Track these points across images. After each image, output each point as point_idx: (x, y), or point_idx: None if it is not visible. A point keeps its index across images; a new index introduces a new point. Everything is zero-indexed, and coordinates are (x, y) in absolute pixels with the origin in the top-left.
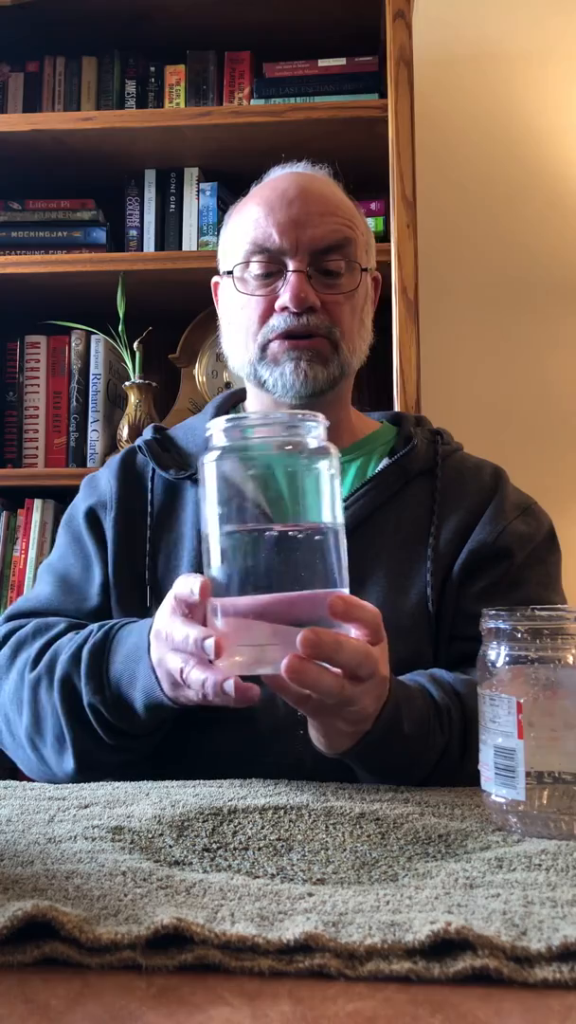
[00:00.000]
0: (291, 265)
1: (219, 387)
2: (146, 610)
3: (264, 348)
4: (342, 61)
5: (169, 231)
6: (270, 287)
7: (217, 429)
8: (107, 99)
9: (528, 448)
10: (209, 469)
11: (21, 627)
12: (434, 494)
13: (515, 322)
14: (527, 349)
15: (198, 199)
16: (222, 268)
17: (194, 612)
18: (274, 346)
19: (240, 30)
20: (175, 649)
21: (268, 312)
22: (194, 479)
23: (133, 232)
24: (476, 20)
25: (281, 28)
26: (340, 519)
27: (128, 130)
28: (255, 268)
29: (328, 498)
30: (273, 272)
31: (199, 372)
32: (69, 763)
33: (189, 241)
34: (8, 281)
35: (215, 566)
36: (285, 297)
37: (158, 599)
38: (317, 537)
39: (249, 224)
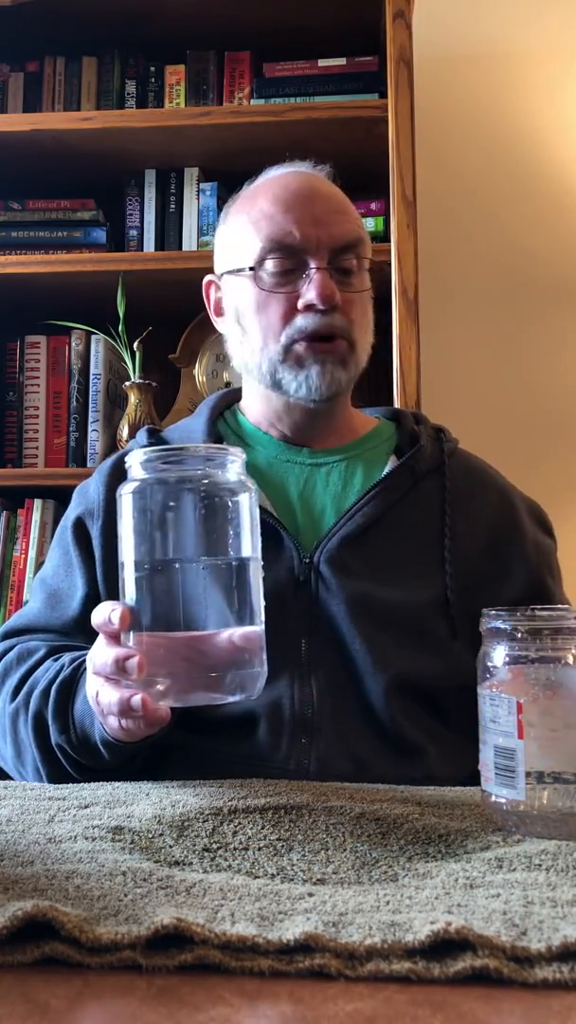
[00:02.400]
0: (314, 263)
1: (219, 387)
2: None
3: (288, 349)
4: (342, 61)
5: (169, 231)
6: (291, 285)
7: (135, 461)
8: (107, 99)
9: (528, 448)
10: (125, 501)
11: (12, 648)
12: (444, 494)
13: (515, 322)
14: (527, 349)
15: (198, 199)
16: (229, 266)
17: (116, 640)
18: (299, 348)
19: (240, 30)
20: (95, 673)
21: (291, 312)
22: None
23: (133, 232)
24: (476, 20)
25: (281, 28)
26: (257, 554)
27: (128, 130)
28: (272, 266)
29: (244, 533)
30: (291, 270)
31: (199, 372)
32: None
33: (189, 241)
34: (8, 281)
35: (130, 596)
36: (311, 295)
37: None
38: (232, 572)
39: (262, 221)
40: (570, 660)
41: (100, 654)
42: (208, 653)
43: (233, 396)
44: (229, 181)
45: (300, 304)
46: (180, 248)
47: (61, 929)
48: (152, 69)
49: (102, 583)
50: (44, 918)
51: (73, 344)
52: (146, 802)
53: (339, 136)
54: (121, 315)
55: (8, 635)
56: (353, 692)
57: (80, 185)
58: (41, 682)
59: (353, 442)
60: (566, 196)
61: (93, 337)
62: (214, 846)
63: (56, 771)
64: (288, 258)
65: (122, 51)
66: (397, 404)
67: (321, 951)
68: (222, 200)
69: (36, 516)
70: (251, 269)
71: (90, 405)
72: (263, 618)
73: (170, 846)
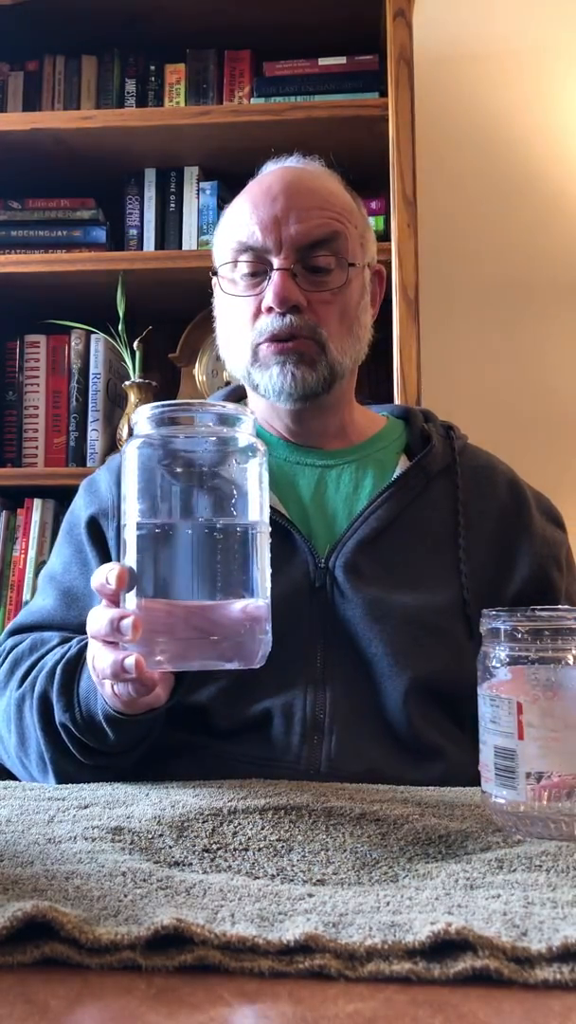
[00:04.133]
0: (275, 263)
1: (219, 386)
2: None
3: (255, 352)
4: (342, 60)
5: (169, 230)
6: (258, 287)
7: (143, 417)
8: (107, 98)
9: (528, 447)
10: (130, 457)
11: (22, 642)
12: (456, 493)
13: (515, 321)
14: (527, 348)
15: (198, 198)
16: (215, 268)
17: (115, 603)
18: (262, 349)
19: (240, 29)
20: (93, 637)
21: (257, 313)
22: None
23: (133, 231)
24: (476, 19)
25: (281, 27)
26: (265, 520)
27: (128, 129)
28: (242, 268)
29: (252, 498)
30: (259, 272)
31: (199, 372)
32: (51, 781)
33: (189, 240)
34: (8, 280)
35: (130, 557)
36: (268, 297)
37: None
38: (237, 538)
39: (235, 222)
40: (570, 661)
41: (97, 616)
42: (209, 620)
43: (239, 392)
44: (229, 180)
45: (263, 306)
46: (180, 247)
47: (61, 929)
48: (152, 68)
49: None
50: (44, 918)
51: (73, 343)
52: (146, 802)
53: (339, 135)
54: (121, 314)
55: (19, 631)
56: (369, 696)
57: (80, 184)
58: (48, 664)
59: (362, 443)
60: (566, 195)
61: (93, 336)
62: (214, 847)
63: (60, 756)
64: (254, 260)
65: (122, 50)
66: (397, 403)
67: (321, 952)
68: (222, 199)
69: (36, 516)
70: (214, 273)
71: (90, 405)
72: (268, 587)
73: (170, 847)
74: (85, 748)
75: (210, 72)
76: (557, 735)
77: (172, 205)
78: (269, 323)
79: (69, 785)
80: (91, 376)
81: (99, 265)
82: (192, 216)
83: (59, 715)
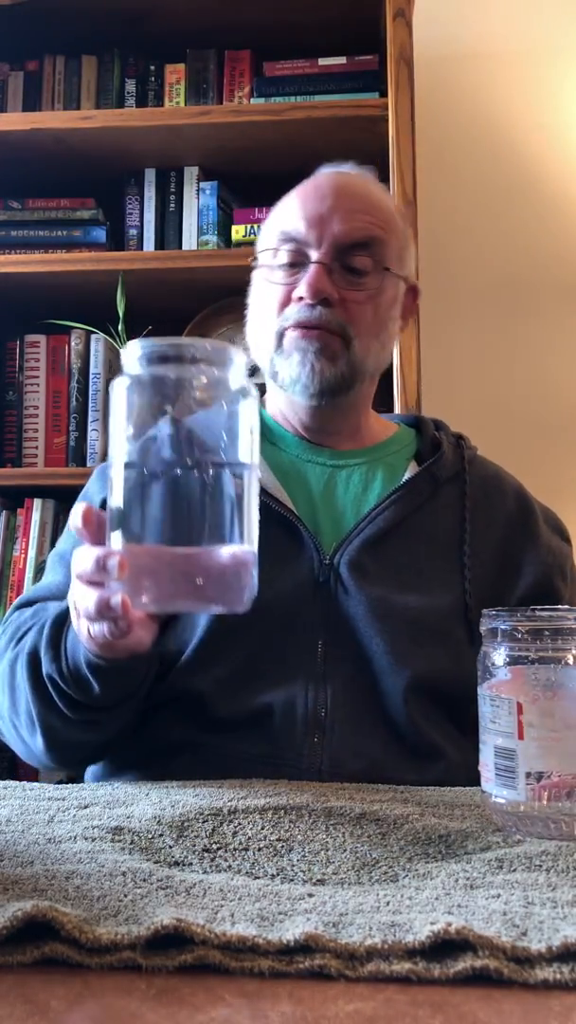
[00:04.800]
0: (313, 256)
1: None
2: None
3: (280, 338)
4: (342, 60)
5: (169, 230)
6: (293, 277)
7: (131, 354)
8: (107, 98)
9: (528, 448)
10: (117, 395)
11: (26, 614)
12: (464, 500)
13: (516, 321)
14: (528, 348)
15: (198, 198)
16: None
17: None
18: (287, 335)
19: (240, 29)
20: (77, 577)
21: (286, 302)
22: None
23: (133, 231)
24: (476, 19)
25: (281, 27)
26: (255, 463)
27: (128, 129)
28: (282, 257)
29: (242, 441)
30: (298, 263)
31: None
32: (39, 741)
33: (189, 240)
34: (8, 280)
35: (116, 498)
36: (301, 287)
37: None
38: (226, 481)
39: (283, 214)
40: (570, 661)
41: (82, 556)
42: (195, 563)
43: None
44: (229, 180)
45: (294, 295)
46: (180, 247)
47: (61, 929)
48: (152, 68)
49: None
50: (44, 918)
51: (73, 343)
52: (146, 802)
53: (339, 135)
54: (121, 314)
55: (24, 605)
56: (369, 693)
57: (80, 184)
58: (41, 622)
59: (374, 446)
60: (566, 195)
61: (93, 336)
62: (214, 846)
63: (47, 710)
64: (293, 251)
65: (122, 50)
66: (397, 403)
67: (321, 951)
68: (222, 199)
69: (36, 516)
70: (255, 259)
71: (90, 404)
72: (256, 532)
73: (170, 846)
74: (71, 702)
75: (210, 72)
76: (557, 735)
77: (172, 205)
78: (297, 311)
79: (69, 785)
80: (91, 376)
81: (99, 265)
82: (192, 216)
83: (46, 667)
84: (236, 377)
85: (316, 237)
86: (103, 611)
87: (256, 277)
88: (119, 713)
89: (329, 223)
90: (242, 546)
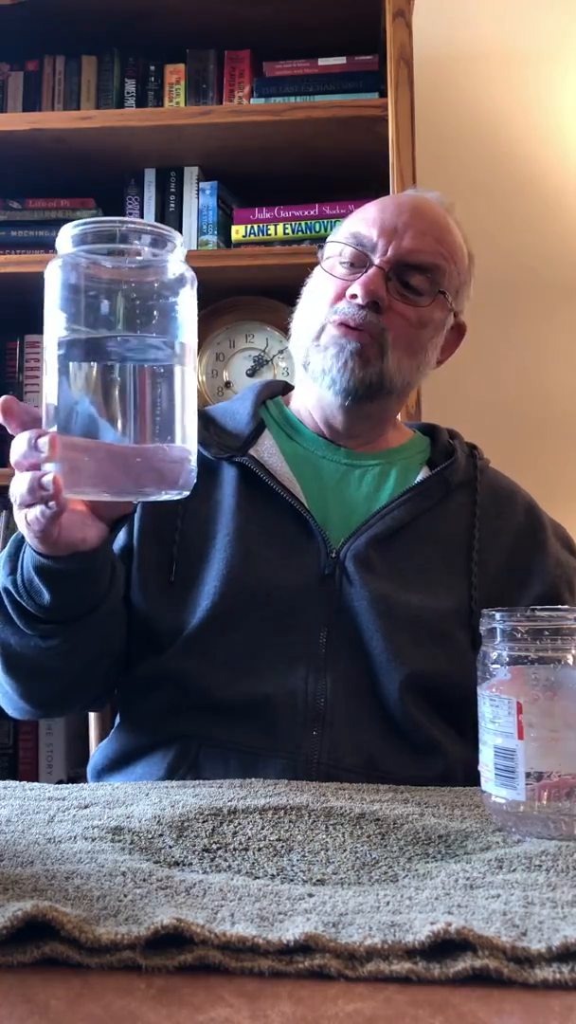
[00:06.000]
0: (376, 261)
1: (219, 387)
2: (169, 584)
3: (321, 331)
4: (342, 60)
5: None
6: (352, 276)
7: (66, 234)
8: (107, 98)
9: (526, 449)
10: (51, 276)
11: None
12: (474, 508)
13: (514, 321)
14: (526, 349)
15: (198, 198)
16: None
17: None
18: (328, 329)
19: (240, 29)
20: (14, 466)
21: (338, 298)
22: (233, 460)
23: None
24: (476, 20)
25: (281, 27)
26: (192, 354)
27: (128, 129)
28: (346, 254)
29: (180, 330)
30: (359, 264)
31: (199, 372)
32: None
33: (189, 240)
34: (8, 280)
35: (49, 385)
36: (356, 286)
37: (184, 573)
38: (163, 370)
39: (360, 218)
40: (570, 661)
41: (16, 442)
42: (131, 451)
43: (277, 387)
44: (229, 180)
45: (347, 292)
46: None
47: (61, 929)
48: (152, 68)
49: (137, 542)
50: (44, 918)
51: None
52: (146, 802)
53: (339, 135)
54: None
55: None
56: (368, 687)
57: (80, 184)
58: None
59: (389, 450)
60: (566, 196)
61: None
62: (214, 847)
63: (3, 625)
64: (358, 252)
65: (122, 50)
66: (424, 420)
67: (321, 951)
68: (222, 199)
69: None
70: (320, 246)
71: None
72: (194, 420)
73: (170, 846)
74: (25, 614)
75: (210, 72)
76: (557, 735)
77: (172, 205)
78: (345, 307)
79: (69, 785)
80: None
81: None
82: (192, 216)
83: (3, 581)
84: (174, 261)
85: (383, 245)
86: (35, 490)
87: (317, 270)
88: (75, 630)
89: (399, 237)
90: (178, 434)
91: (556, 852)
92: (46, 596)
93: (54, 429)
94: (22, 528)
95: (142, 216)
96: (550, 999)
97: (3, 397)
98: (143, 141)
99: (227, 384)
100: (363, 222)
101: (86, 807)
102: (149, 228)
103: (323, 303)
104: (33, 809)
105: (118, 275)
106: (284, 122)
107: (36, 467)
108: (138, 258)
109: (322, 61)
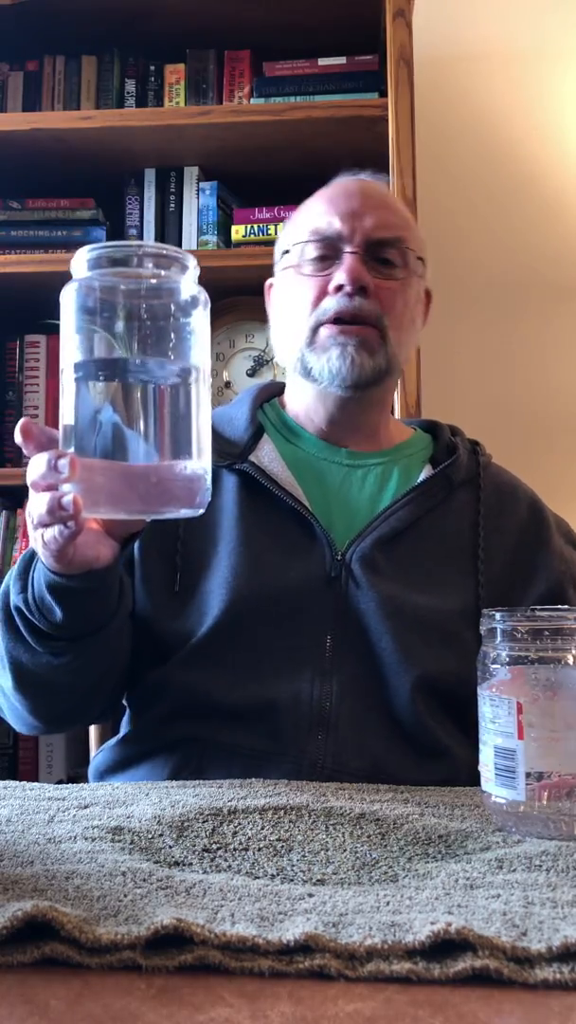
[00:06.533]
0: (347, 248)
1: (219, 387)
2: (174, 594)
3: (314, 333)
4: (342, 60)
5: (169, 230)
6: (326, 271)
7: (80, 258)
8: (107, 98)
9: (528, 448)
10: (66, 299)
11: None
12: (478, 505)
13: (515, 321)
14: (527, 349)
15: (198, 198)
16: (278, 261)
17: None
18: (323, 331)
19: (240, 29)
20: (31, 486)
21: (321, 295)
22: (233, 467)
23: (133, 231)
24: (476, 20)
25: (281, 27)
26: (206, 371)
27: (128, 129)
28: (312, 251)
29: (194, 350)
30: (329, 256)
31: None
32: (9, 680)
33: (189, 240)
34: (8, 280)
35: (67, 408)
36: (339, 276)
37: (188, 582)
38: (179, 390)
39: (310, 215)
40: (570, 661)
41: (34, 462)
42: (147, 471)
43: (274, 388)
44: (229, 180)
45: (330, 287)
46: (180, 247)
47: (61, 929)
48: (152, 68)
49: (139, 553)
50: (44, 918)
51: None
52: (146, 802)
53: (339, 135)
54: None
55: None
56: (375, 691)
57: (80, 184)
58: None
59: (390, 448)
60: (566, 195)
61: None
62: (214, 847)
63: (15, 642)
64: (325, 246)
65: (122, 50)
66: (397, 404)
67: (321, 951)
68: (222, 199)
69: None
70: (285, 252)
71: None
72: (209, 443)
73: (170, 846)
74: (36, 632)
75: (210, 72)
76: (557, 735)
77: (172, 205)
78: (335, 303)
79: (69, 785)
80: None
81: None
82: (192, 216)
83: (14, 599)
84: (188, 283)
85: (349, 231)
86: (55, 511)
87: (282, 278)
88: (85, 647)
89: (361, 218)
90: (194, 454)
91: (556, 852)
92: (58, 614)
93: (72, 450)
94: (37, 547)
95: (142, 216)
96: (550, 999)
97: (21, 420)
98: (143, 141)
99: (227, 384)
100: (317, 217)
101: (86, 807)
102: (163, 251)
103: (305, 306)
104: (33, 809)
105: (132, 298)
106: (284, 122)
107: (53, 487)
108: (152, 281)
109: (322, 61)
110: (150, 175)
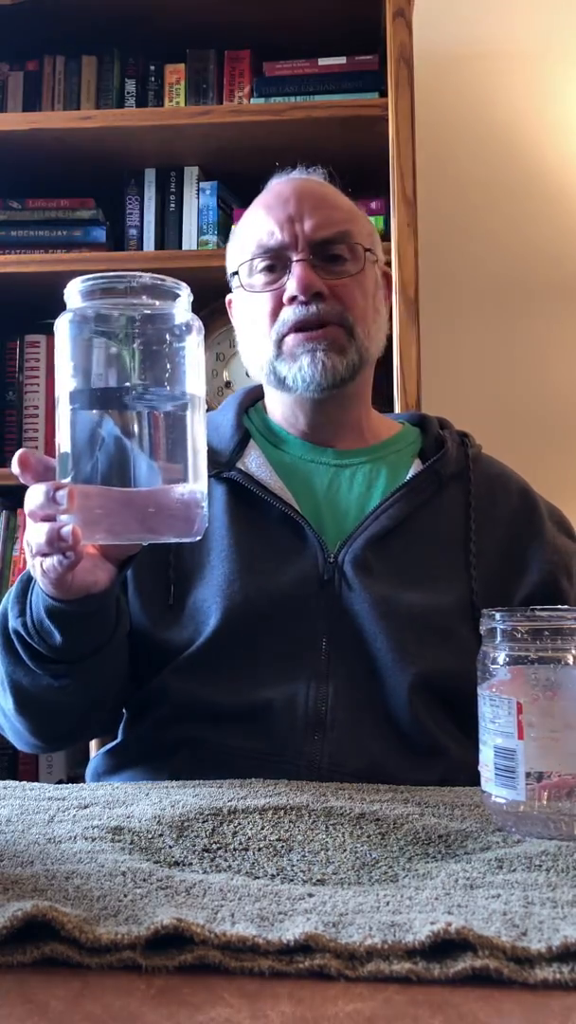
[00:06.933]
0: (294, 257)
1: (219, 387)
2: (168, 607)
3: (280, 344)
4: (342, 60)
5: (169, 230)
6: (277, 283)
7: (74, 289)
8: (107, 98)
9: (528, 447)
10: (60, 330)
11: None
12: (468, 499)
13: (516, 321)
14: (528, 348)
15: (198, 198)
16: (230, 280)
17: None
18: (289, 340)
19: (240, 29)
20: (29, 515)
21: (278, 307)
22: (221, 476)
23: (133, 231)
24: (476, 19)
25: (281, 27)
26: (200, 398)
27: (128, 129)
28: (260, 265)
29: (188, 376)
30: (278, 267)
31: None
32: (10, 703)
33: (189, 240)
34: (8, 280)
35: (63, 438)
36: (292, 286)
37: (182, 594)
38: (173, 417)
39: (251, 228)
40: (570, 660)
41: (32, 492)
42: (145, 498)
43: (259, 392)
44: (229, 180)
45: (285, 298)
46: (180, 247)
47: (61, 929)
48: (152, 68)
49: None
50: (44, 918)
51: None
52: (146, 802)
53: (339, 135)
54: None
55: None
56: (372, 691)
57: (80, 184)
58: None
59: (377, 444)
60: (566, 195)
61: None
62: (214, 846)
63: (15, 666)
64: (271, 258)
65: (122, 50)
66: (396, 403)
67: (321, 951)
68: (222, 199)
69: None
70: (234, 273)
71: None
72: (205, 468)
73: (170, 846)
74: (36, 655)
75: (210, 72)
76: (557, 735)
77: (172, 205)
78: (293, 313)
79: (69, 785)
80: None
81: (99, 265)
82: (192, 216)
83: (12, 622)
84: (181, 311)
85: (291, 238)
86: (54, 541)
87: (238, 297)
88: (85, 668)
89: (299, 222)
90: (190, 480)
91: (556, 852)
92: (57, 637)
93: (69, 479)
94: (36, 575)
95: (142, 216)
96: (550, 999)
97: (19, 451)
98: (143, 141)
99: (227, 384)
100: (257, 230)
101: (86, 807)
102: (156, 281)
103: (265, 321)
104: (33, 809)
105: (126, 327)
106: (284, 122)
107: (52, 518)
108: (146, 310)
109: (322, 61)
110: (150, 175)
